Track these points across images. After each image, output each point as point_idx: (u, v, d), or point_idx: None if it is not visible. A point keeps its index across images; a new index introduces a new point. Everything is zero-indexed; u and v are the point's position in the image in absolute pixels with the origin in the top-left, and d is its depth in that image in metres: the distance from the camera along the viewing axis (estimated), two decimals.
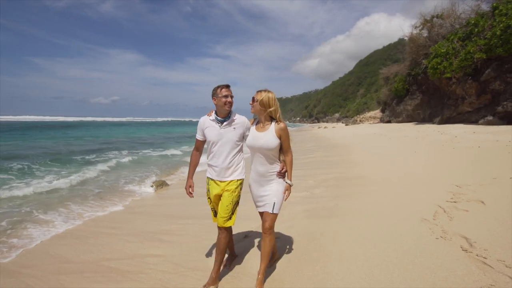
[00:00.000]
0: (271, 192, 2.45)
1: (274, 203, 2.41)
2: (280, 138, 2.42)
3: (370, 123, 33.12)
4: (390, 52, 79.39)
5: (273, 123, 2.45)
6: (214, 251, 2.80)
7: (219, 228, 2.53)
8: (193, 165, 2.76)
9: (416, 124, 20.44)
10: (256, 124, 2.57)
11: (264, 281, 2.42)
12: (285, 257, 2.89)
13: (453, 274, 2.19)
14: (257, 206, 2.62)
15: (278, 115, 2.43)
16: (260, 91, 2.43)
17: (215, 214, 2.66)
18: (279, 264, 2.76)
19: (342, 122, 49.93)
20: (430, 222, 3.24)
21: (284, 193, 2.48)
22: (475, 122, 14.64)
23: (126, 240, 3.83)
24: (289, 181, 2.50)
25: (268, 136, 2.41)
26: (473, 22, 15.68)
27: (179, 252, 3.28)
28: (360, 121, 39.63)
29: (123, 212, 5.29)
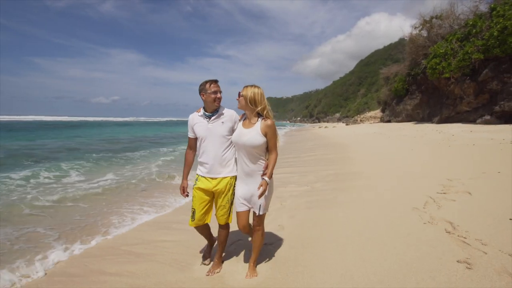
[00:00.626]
0: (257, 193, 2.36)
1: (260, 205, 2.39)
2: (265, 135, 2.31)
3: (371, 123, 33.39)
4: (391, 52, 79.52)
5: (260, 120, 2.34)
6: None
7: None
8: (187, 165, 2.74)
9: (416, 123, 20.73)
10: (243, 120, 2.47)
11: (262, 263, 2.69)
12: (287, 242, 3.16)
13: (435, 250, 2.50)
14: (236, 205, 2.51)
15: (265, 112, 2.32)
16: (247, 86, 2.33)
17: (193, 216, 2.62)
18: (283, 248, 3.04)
19: (343, 122, 50.24)
20: (420, 210, 3.55)
21: (259, 188, 2.31)
22: (473, 121, 14.92)
23: (139, 229, 4.14)
24: (266, 178, 2.33)
25: (253, 133, 2.31)
26: (471, 23, 15.96)
27: (191, 237, 3.57)
28: (360, 121, 39.93)
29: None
